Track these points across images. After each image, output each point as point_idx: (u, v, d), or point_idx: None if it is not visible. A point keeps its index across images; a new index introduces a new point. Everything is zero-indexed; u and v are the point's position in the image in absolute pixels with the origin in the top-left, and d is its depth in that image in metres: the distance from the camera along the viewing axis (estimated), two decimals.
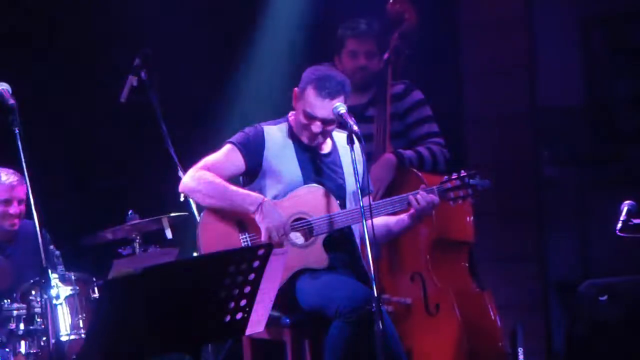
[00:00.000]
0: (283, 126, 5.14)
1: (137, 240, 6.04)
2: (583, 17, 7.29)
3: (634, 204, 5.55)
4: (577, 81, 7.30)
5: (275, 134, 5.11)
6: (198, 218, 5.19)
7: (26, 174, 4.40)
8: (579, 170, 7.23)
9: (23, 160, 4.40)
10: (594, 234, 7.07)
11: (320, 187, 5.05)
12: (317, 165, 5.12)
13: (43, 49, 6.96)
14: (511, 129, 7.19)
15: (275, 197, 5.03)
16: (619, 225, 5.51)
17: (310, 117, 5.02)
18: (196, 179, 5.04)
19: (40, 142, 6.17)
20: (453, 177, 5.08)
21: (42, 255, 4.37)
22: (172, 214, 5.97)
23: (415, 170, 5.70)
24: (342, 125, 4.99)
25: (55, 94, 6.94)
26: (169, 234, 6.04)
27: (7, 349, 5.54)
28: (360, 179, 4.88)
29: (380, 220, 5.03)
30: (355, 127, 4.86)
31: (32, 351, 5.54)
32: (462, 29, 7.22)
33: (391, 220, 5.13)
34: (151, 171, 6.51)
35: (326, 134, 5.08)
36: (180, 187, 5.12)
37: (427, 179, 5.64)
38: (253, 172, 5.10)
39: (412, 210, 5.05)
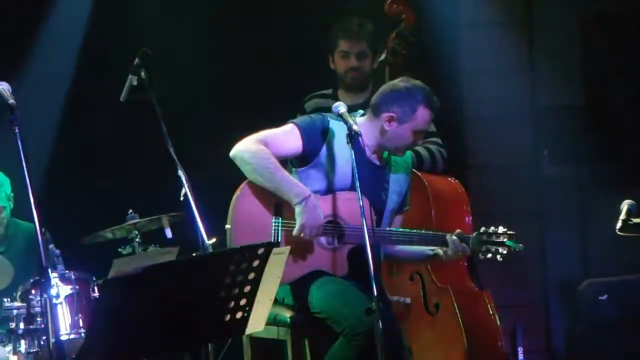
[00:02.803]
0: None
1: (137, 240, 6.04)
2: (583, 17, 7.29)
3: (634, 204, 5.55)
4: (577, 81, 7.29)
5: (339, 130, 5.04)
6: (198, 217, 5.18)
7: (26, 173, 4.39)
8: (579, 170, 7.22)
9: (23, 159, 4.40)
10: (594, 234, 7.06)
11: (365, 198, 4.96)
12: (368, 175, 5.03)
13: (43, 49, 6.95)
14: (511, 129, 7.19)
15: (317, 192, 5.01)
16: (619, 224, 5.51)
17: (421, 133, 5.08)
18: (252, 152, 4.97)
19: (40, 141, 6.18)
20: (491, 231, 5.06)
21: (42, 255, 4.37)
22: (172, 214, 5.97)
23: (414, 170, 5.70)
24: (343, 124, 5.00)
25: (55, 93, 6.93)
26: (168, 233, 6.04)
27: (7, 348, 5.54)
28: (402, 199, 5.02)
29: (417, 249, 5.10)
30: (356, 127, 4.86)
31: (31, 350, 5.53)
32: (462, 29, 7.22)
33: (426, 253, 5.14)
34: (151, 171, 6.50)
35: None
36: (232, 152, 5.03)
37: (426, 178, 5.64)
38: (307, 158, 5.06)
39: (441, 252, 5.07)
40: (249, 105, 6.61)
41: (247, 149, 5.00)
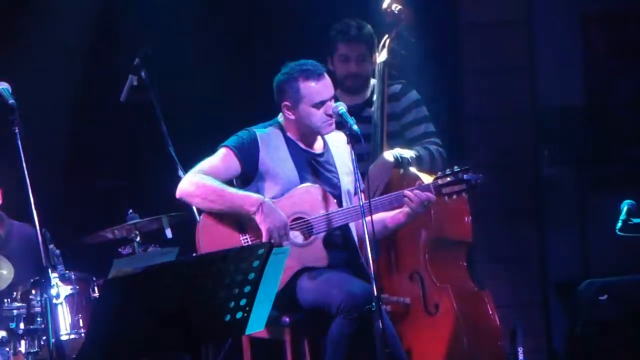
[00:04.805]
0: (274, 128, 5.17)
1: (137, 240, 6.04)
2: (583, 17, 7.29)
3: (634, 204, 5.55)
4: (577, 81, 7.30)
5: (268, 136, 5.13)
6: (198, 217, 5.19)
7: (26, 173, 4.40)
8: (579, 170, 7.22)
9: (23, 159, 4.41)
10: (594, 234, 7.06)
11: (318, 186, 5.07)
12: (312, 166, 5.14)
13: (43, 49, 6.96)
14: (511, 129, 7.19)
15: (272, 198, 5.04)
16: (619, 224, 5.51)
17: (322, 103, 5.03)
18: (194, 184, 5.03)
19: (40, 141, 6.18)
20: (447, 172, 5.10)
21: (42, 255, 4.38)
22: (172, 214, 5.97)
23: (413, 169, 5.70)
24: (342, 124, 5.02)
25: (55, 93, 6.94)
26: (169, 233, 6.05)
27: (7, 348, 5.54)
28: (352, 177, 4.93)
29: (377, 217, 5.04)
30: (356, 127, 4.88)
31: (32, 350, 5.54)
32: (462, 29, 7.22)
33: (387, 217, 5.14)
34: (151, 171, 6.50)
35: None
36: (178, 193, 5.10)
37: (425, 179, 5.64)
38: (249, 175, 5.10)
39: (407, 208, 5.06)
40: (248, 106, 6.60)
41: (189, 183, 5.06)
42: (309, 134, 5.14)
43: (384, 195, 5.15)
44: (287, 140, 5.14)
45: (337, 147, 5.14)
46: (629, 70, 7.27)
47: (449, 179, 5.09)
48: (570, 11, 7.24)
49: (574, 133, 7.22)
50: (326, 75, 5.10)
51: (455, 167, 5.11)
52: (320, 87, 5.05)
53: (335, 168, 5.18)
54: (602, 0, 7.28)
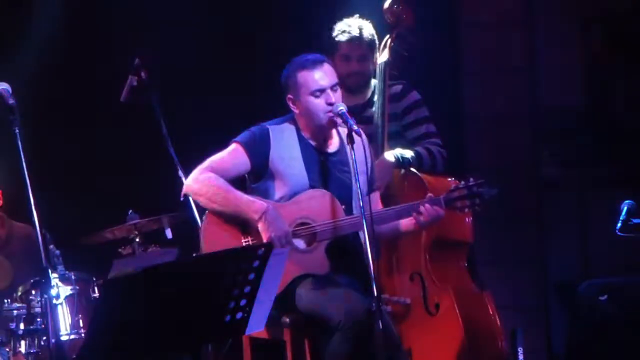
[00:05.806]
0: (288, 125, 5.11)
1: (137, 240, 6.04)
2: (583, 17, 7.29)
3: (633, 204, 5.56)
4: (577, 81, 7.30)
5: (280, 134, 5.08)
6: (198, 218, 5.19)
7: (26, 173, 4.40)
8: (579, 170, 7.22)
9: (23, 159, 4.41)
10: (594, 234, 7.06)
11: (326, 192, 5.00)
12: (324, 166, 5.08)
13: (43, 48, 6.96)
14: (511, 129, 7.19)
15: (280, 199, 5.01)
16: (619, 225, 5.52)
17: (321, 91, 5.00)
18: (200, 182, 4.99)
19: (40, 141, 6.18)
20: (460, 185, 5.04)
21: (42, 255, 4.38)
22: (172, 214, 5.97)
23: (414, 170, 5.70)
24: (343, 124, 5.01)
25: (55, 93, 6.94)
26: (169, 233, 6.05)
27: (7, 349, 5.55)
28: (368, 177, 4.91)
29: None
30: (356, 127, 4.86)
31: (32, 351, 5.54)
32: (462, 29, 7.22)
33: (402, 221, 5.11)
34: (151, 171, 6.50)
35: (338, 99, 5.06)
36: (184, 189, 5.07)
37: (426, 179, 5.64)
38: (259, 172, 5.06)
39: (415, 221, 5.05)
40: (249, 105, 6.60)
41: (195, 180, 5.01)
42: (318, 129, 5.07)
43: (393, 207, 5.10)
44: (300, 139, 5.09)
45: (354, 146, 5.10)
46: (629, 71, 7.27)
47: (462, 192, 5.04)
48: (570, 11, 7.24)
49: (574, 133, 7.22)
50: (325, 64, 5.05)
51: (471, 179, 5.06)
52: (317, 75, 5.01)
53: (349, 167, 5.13)
54: (602, 0, 7.28)
